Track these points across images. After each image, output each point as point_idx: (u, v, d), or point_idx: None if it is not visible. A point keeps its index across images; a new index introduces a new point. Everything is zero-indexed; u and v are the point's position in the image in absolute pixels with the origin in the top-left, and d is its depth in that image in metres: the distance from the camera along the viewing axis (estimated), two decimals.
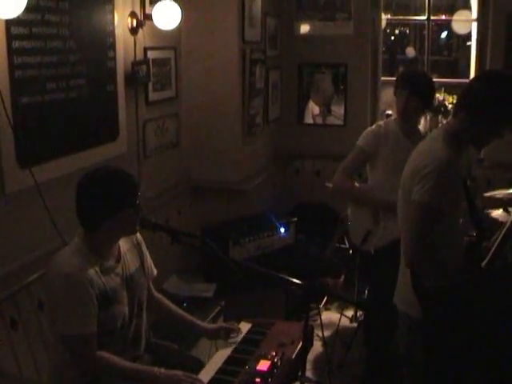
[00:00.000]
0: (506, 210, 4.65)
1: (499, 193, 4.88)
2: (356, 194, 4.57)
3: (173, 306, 3.42)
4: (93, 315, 2.78)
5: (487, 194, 4.97)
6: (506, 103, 2.93)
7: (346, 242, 5.57)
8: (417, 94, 4.33)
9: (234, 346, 3.22)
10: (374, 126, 4.53)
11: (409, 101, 4.32)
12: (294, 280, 2.96)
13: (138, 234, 3.16)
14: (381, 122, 4.56)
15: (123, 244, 3.07)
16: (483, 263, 3.10)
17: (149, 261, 3.26)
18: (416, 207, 2.99)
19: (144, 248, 3.22)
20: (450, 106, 6.84)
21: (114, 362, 2.86)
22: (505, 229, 3.24)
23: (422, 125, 6.43)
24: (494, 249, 3.14)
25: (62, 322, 2.77)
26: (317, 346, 4.62)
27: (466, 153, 3.20)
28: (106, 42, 4.03)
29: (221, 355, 3.15)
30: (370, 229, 4.41)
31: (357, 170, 4.61)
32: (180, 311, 3.41)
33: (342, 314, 5.23)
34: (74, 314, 2.73)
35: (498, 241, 3.17)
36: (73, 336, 2.75)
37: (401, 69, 11.21)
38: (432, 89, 4.44)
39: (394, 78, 4.57)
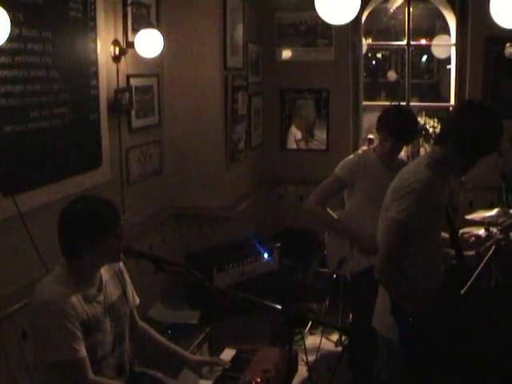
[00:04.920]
0: (487, 230, 4.69)
1: (480, 216, 4.91)
2: (327, 221, 4.61)
3: (158, 336, 3.41)
4: (80, 339, 2.78)
5: (469, 217, 5.01)
6: (489, 135, 3.02)
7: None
8: (403, 140, 4.40)
9: (218, 374, 3.22)
10: (352, 156, 4.57)
11: (394, 146, 4.38)
12: (278, 306, 2.96)
13: (121, 263, 3.16)
14: (359, 152, 4.61)
15: (104, 273, 3.07)
16: (462, 290, 3.13)
17: (131, 289, 3.26)
18: (390, 224, 3.05)
19: (126, 276, 3.23)
20: (430, 129, 6.92)
21: None
22: (486, 257, 3.28)
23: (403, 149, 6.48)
24: (474, 276, 3.17)
25: (50, 349, 2.75)
26: (302, 371, 4.58)
27: (449, 182, 3.25)
28: (88, 71, 4.05)
29: (206, 383, 3.14)
30: (345, 255, 4.43)
31: (331, 197, 4.64)
32: (165, 341, 3.41)
33: (324, 338, 5.22)
34: (60, 340, 2.73)
35: (479, 268, 3.21)
36: (64, 362, 2.74)
37: (383, 98, 11.33)
38: (416, 130, 4.50)
39: (378, 116, 4.56)
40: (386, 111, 4.52)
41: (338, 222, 4.58)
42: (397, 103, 5.95)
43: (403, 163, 4.49)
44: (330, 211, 4.58)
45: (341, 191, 4.60)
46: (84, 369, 2.78)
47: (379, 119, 4.48)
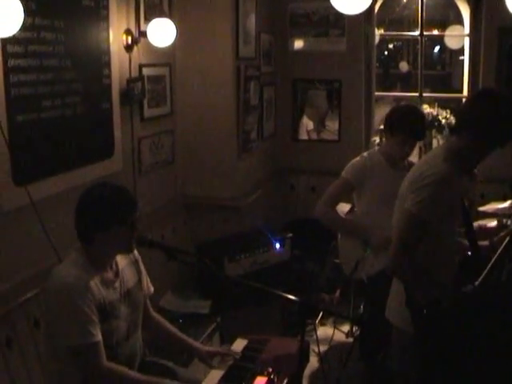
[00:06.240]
0: (499, 222, 4.67)
1: (492, 208, 4.89)
2: (338, 224, 4.60)
3: (169, 326, 3.41)
4: (96, 324, 2.78)
5: (482, 209, 4.99)
6: (506, 124, 2.98)
7: None
8: (420, 138, 4.40)
9: (229, 364, 3.22)
10: (358, 158, 4.53)
11: (413, 146, 4.38)
12: (290, 296, 2.96)
13: (136, 252, 3.17)
14: (365, 154, 4.57)
15: (120, 260, 3.08)
16: (477, 282, 3.11)
17: (146, 278, 3.27)
18: (406, 216, 3.04)
19: (141, 265, 3.23)
20: (443, 120, 6.88)
21: (125, 373, 2.88)
22: (500, 249, 3.26)
23: None
24: (488, 268, 3.15)
25: (64, 332, 2.76)
26: (313, 362, 4.61)
27: (470, 175, 3.22)
28: (101, 60, 4.05)
29: (217, 373, 3.15)
30: (360, 258, 4.42)
31: (340, 201, 4.62)
32: (176, 331, 3.41)
33: (335, 328, 5.23)
34: (76, 324, 2.73)
35: (492, 260, 3.19)
36: (79, 346, 2.74)
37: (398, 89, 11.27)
38: (425, 126, 4.49)
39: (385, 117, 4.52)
40: (392, 113, 4.48)
41: (350, 223, 4.58)
42: (403, 101, 5.91)
43: (409, 162, 4.48)
44: (344, 209, 4.58)
45: (349, 194, 4.58)
46: (99, 354, 2.79)
47: (391, 123, 4.40)
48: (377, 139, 6.80)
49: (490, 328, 2.89)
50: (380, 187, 4.35)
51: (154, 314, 3.39)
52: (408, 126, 4.32)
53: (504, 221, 4.56)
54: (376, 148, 4.69)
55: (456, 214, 3.18)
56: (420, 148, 6.66)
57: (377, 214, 4.31)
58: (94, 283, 2.84)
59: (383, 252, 4.03)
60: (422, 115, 4.57)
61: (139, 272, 3.20)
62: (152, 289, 3.33)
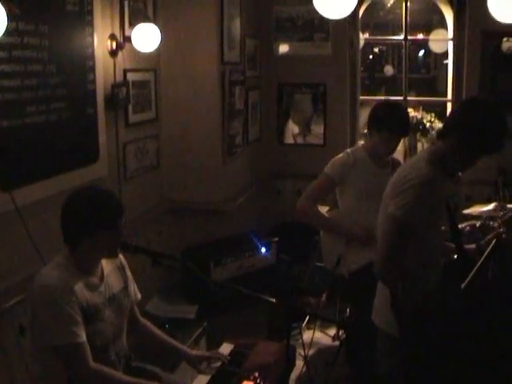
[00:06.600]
0: (483, 223, 4.71)
1: (477, 210, 4.92)
2: (319, 221, 4.61)
3: (158, 331, 3.42)
4: (80, 325, 2.79)
5: (466, 211, 5.01)
6: (492, 134, 3.01)
7: None
8: (405, 135, 4.41)
9: (216, 368, 3.22)
10: (341, 154, 4.53)
11: (397, 142, 4.39)
12: (276, 300, 2.97)
13: (122, 258, 3.17)
14: (348, 150, 4.58)
15: (106, 265, 3.08)
16: (463, 285, 3.13)
17: (133, 285, 3.27)
18: (390, 220, 3.05)
19: (128, 272, 3.23)
20: (427, 124, 6.92)
21: (113, 374, 2.88)
22: (487, 251, 3.28)
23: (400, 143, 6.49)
24: (474, 270, 3.17)
25: (50, 333, 2.75)
26: (299, 366, 4.61)
27: (454, 178, 3.24)
28: (85, 65, 4.04)
29: (204, 378, 3.15)
30: (342, 254, 4.42)
31: (322, 197, 4.60)
32: (164, 336, 3.42)
33: (322, 332, 5.24)
34: (60, 324, 2.73)
35: (479, 263, 3.21)
36: (64, 346, 2.74)
37: (383, 93, 11.31)
38: (409, 122, 4.51)
39: (369, 115, 4.51)
40: (377, 109, 4.46)
41: (331, 221, 4.58)
42: (387, 98, 5.93)
43: (392, 159, 4.50)
44: (322, 211, 4.57)
45: (332, 190, 4.58)
46: (85, 354, 2.79)
47: (377, 120, 4.39)
48: (362, 143, 6.82)
49: (475, 331, 2.91)
50: (363, 184, 4.36)
51: (142, 319, 3.39)
52: (394, 122, 4.32)
53: (489, 223, 4.60)
54: (360, 144, 4.70)
55: (441, 217, 3.20)
56: (405, 151, 6.70)
57: (359, 210, 4.33)
58: (78, 286, 2.85)
59: (365, 248, 4.07)
60: (406, 111, 4.60)
61: (125, 278, 3.20)
62: (139, 295, 3.33)
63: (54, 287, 2.76)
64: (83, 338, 2.79)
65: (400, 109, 4.47)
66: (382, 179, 3.59)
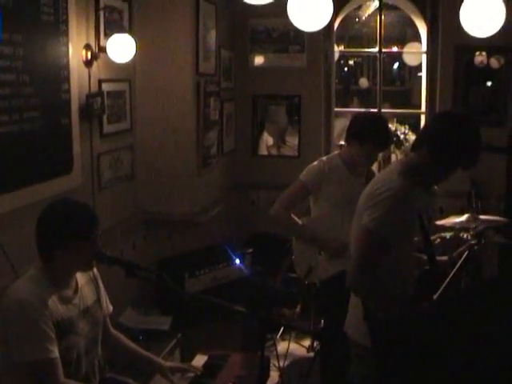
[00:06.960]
0: (455, 235, 4.74)
1: (450, 221, 4.95)
2: (292, 228, 4.61)
3: (130, 343, 3.39)
4: (53, 340, 2.76)
5: (439, 222, 5.04)
6: (467, 146, 3.03)
7: None
8: (387, 147, 4.42)
9: (189, 379, 3.21)
10: (316, 162, 4.51)
11: (376, 154, 4.41)
12: (250, 311, 2.96)
13: (95, 269, 3.15)
14: (324, 158, 4.56)
15: (80, 277, 3.06)
16: (435, 296, 3.15)
17: (105, 296, 3.25)
18: (363, 232, 3.06)
19: (100, 283, 3.21)
20: (401, 135, 6.98)
21: None
22: (459, 263, 3.31)
23: None
24: (446, 282, 3.19)
25: (22, 348, 2.72)
26: (274, 377, 4.61)
27: (428, 191, 3.25)
28: (60, 75, 4.02)
29: None
30: (313, 262, 4.43)
31: (296, 203, 4.55)
32: (137, 348, 3.39)
33: (296, 343, 5.24)
34: (33, 340, 2.70)
35: (451, 274, 3.23)
36: (35, 362, 2.71)
37: (356, 105, 11.38)
38: (391, 135, 4.51)
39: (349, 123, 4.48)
40: (360, 121, 4.41)
41: (304, 229, 4.57)
42: (366, 110, 5.95)
43: (367, 169, 4.51)
44: (296, 218, 4.57)
45: (306, 197, 4.58)
46: (56, 370, 2.76)
47: (360, 133, 4.30)
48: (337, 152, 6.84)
49: (449, 341, 2.92)
50: (337, 192, 4.35)
51: (114, 332, 3.36)
52: (379, 136, 4.28)
53: (462, 235, 4.63)
54: (335, 152, 4.71)
55: (413, 229, 3.21)
56: (379, 162, 6.73)
57: (333, 219, 4.33)
58: (52, 300, 2.82)
59: (337, 258, 4.08)
60: (387, 124, 4.59)
61: (98, 290, 3.18)
62: (111, 308, 3.31)
63: (27, 302, 2.73)
64: (55, 353, 2.76)
65: (384, 122, 4.43)
66: (357, 188, 3.60)
